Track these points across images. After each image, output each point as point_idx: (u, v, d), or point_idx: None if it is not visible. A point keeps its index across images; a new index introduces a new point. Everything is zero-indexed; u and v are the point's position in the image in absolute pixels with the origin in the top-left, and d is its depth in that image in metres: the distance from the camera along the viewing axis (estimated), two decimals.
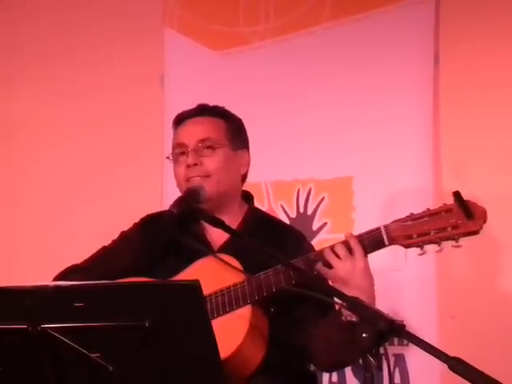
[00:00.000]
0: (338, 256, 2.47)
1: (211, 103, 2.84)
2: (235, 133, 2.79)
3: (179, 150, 2.74)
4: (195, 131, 2.74)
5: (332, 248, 2.48)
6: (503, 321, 3.29)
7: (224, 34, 3.93)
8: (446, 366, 1.92)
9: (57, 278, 2.77)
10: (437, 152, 3.45)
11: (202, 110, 2.80)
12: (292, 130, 3.74)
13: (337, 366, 2.88)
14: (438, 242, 2.41)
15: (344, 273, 2.44)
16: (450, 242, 2.42)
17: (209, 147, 2.71)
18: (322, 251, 2.51)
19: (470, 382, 1.88)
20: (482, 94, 3.44)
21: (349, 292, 2.32)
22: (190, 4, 4.06)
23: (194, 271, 2.62)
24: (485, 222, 2.41)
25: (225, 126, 2.77)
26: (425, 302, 3.39)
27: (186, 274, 2.62)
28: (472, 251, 3.39)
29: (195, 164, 2.70)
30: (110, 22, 4.24)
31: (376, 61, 3.59)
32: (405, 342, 3.31)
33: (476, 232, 2.40)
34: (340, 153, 3.63)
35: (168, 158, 2.79)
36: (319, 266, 2.48)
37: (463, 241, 2.41)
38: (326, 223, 3.64)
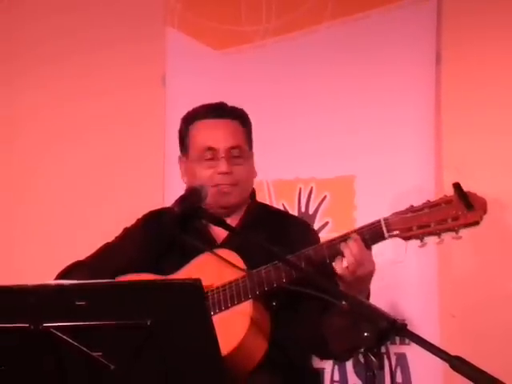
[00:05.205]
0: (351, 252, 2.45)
1: (212, 102, 2.84)
2: (250, 135, 2.83)
3: (209, 154, 2.74)
4: (225, 136, 2.75)
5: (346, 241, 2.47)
6: (504, 320, 3.29)
7: (225, 33, 3.93)
8: (447, 365, 1.92)
9: (61, 274, 2.78)
10: (438, 152, 3.45)
11: (223, 111, 2.80)
12: (293, 129, 3.74)
13: (347, 352, 2.74)
14: (438, 233, 2.41)
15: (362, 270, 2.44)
16: (451, 234, 2.41)
17: (239, 156, 2.74)
18: (337, 244, 2.49)
19: (472, 380, 1.89)
20: (484, 95, 3.43)
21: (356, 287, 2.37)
22: (191, 3, 4.06)
23: (194, 267, 2.64)
24: (485, 212, 2.39)
25: (243, 130, 2.80)
26: (426, 300, 3.39)
27: (187, 270, 2.64)
28: (474, 250, 3.39)
29: (228, 172, 2.72)
30: (111, 22, 4.24)
31: (377, 60, 3.59)
32: (406, 341, 3.32)
33: (476, 223, 2.39)
34: (342, 152, 3.63)
35: (184, 156, 2.80)
36: (338, 264, 2.46)
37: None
38: (327, 222, 3.64)
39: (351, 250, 2.45)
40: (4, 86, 4.45)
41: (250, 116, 2.86)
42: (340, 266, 2.47)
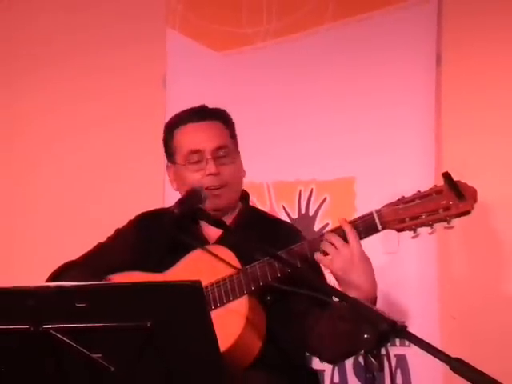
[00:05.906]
0: (334, 246, 2.46)
1: (213, 104, 2.84)
2: (234, 135, 2.82)
3: (196, 157, 2.72)
4: (210, 138, 2.73)
5: (327, 239, 2.48)
6: (505, 322, 3.29)
7: (226, 35, 3.93)
8: (447, 366, 1.92)
9: (53, 275, 2.78)
10: (439, 154, 3.45)
11: (205, 113, 2.79)
12: (294, 131, 3.74)
13: (344, 356, 2.79)
14: (430, 224, 2.42)
15: (343, 262, 2.45)
16: (443, 224, 2.41)
17: (225, 156, 2.73)
18: (317, 242, 2.50)
19: (472, 382, 1.88)
20: (485, 97, 3.43)
21: (350, 283, 2.38)
22: (192, 5, 4.06)
23: (187, 264, 2.64)
24: (475, 201, 2.40)
25: (227, 130, 2.79)
26: (426, 302, 3.39)
27: (180, 267, 2.64)
28: (474, 251, 3.39)
29: (216, 173, 2.70)
30: (112, 23, 4.24)
31: (377, 62, 3.59)
32: (406, 342, 3.31)
33: (467, 212, 2.40)
34: (342, 154, 3.63)
35: (172, 164, 2.79)
36: (319, 256, 2.48)
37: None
38: (327, 224, 3.64)
39: (329, 240, 2.46)
40: (4, 85, 4.45)
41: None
42: (323, 258, 2.48)
